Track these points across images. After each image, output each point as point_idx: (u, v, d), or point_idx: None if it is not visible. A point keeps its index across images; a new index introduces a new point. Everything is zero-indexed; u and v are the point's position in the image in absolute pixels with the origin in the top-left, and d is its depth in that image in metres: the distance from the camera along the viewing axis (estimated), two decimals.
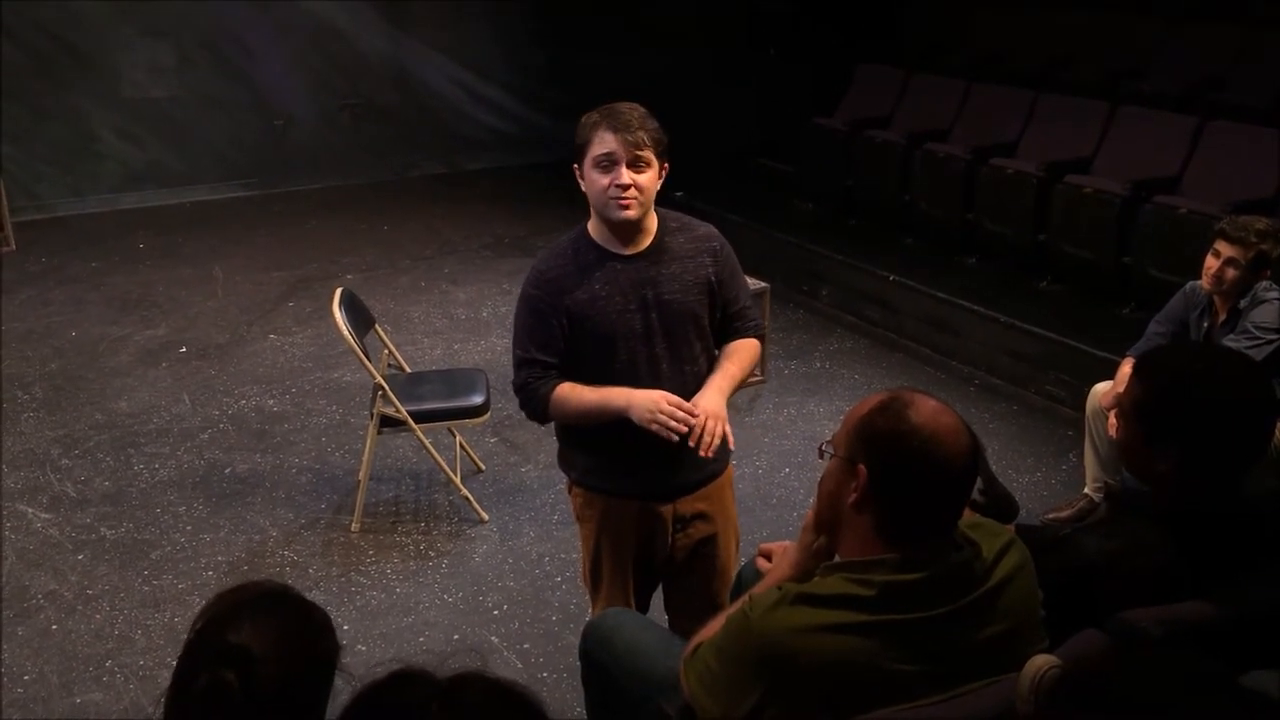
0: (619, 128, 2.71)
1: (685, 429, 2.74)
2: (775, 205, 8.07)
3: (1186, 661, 1.64)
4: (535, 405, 2.88)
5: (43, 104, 8.66)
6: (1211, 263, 4.11)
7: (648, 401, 2.75)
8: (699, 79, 9.09)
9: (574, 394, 2.84)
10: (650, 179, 2.76)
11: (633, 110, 2.76)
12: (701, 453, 2.76)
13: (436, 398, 4.58)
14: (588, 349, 2.85)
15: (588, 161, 2.77)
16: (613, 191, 2.73)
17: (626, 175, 2.72)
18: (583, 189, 2.82)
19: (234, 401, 5.70)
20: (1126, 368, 4.12)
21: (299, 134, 9.70)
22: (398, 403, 4.41)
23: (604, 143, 2.73)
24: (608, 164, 2.74)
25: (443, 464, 4.65)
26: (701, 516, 3.03)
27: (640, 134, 2.72)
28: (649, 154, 2.74)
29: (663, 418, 2.73)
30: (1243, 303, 4.12)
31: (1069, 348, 5.59)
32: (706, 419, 2.75)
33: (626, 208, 2.75)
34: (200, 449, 5.21)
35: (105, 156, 9.03)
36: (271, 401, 5.71)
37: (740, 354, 2.97)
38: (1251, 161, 5.71)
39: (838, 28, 8.89)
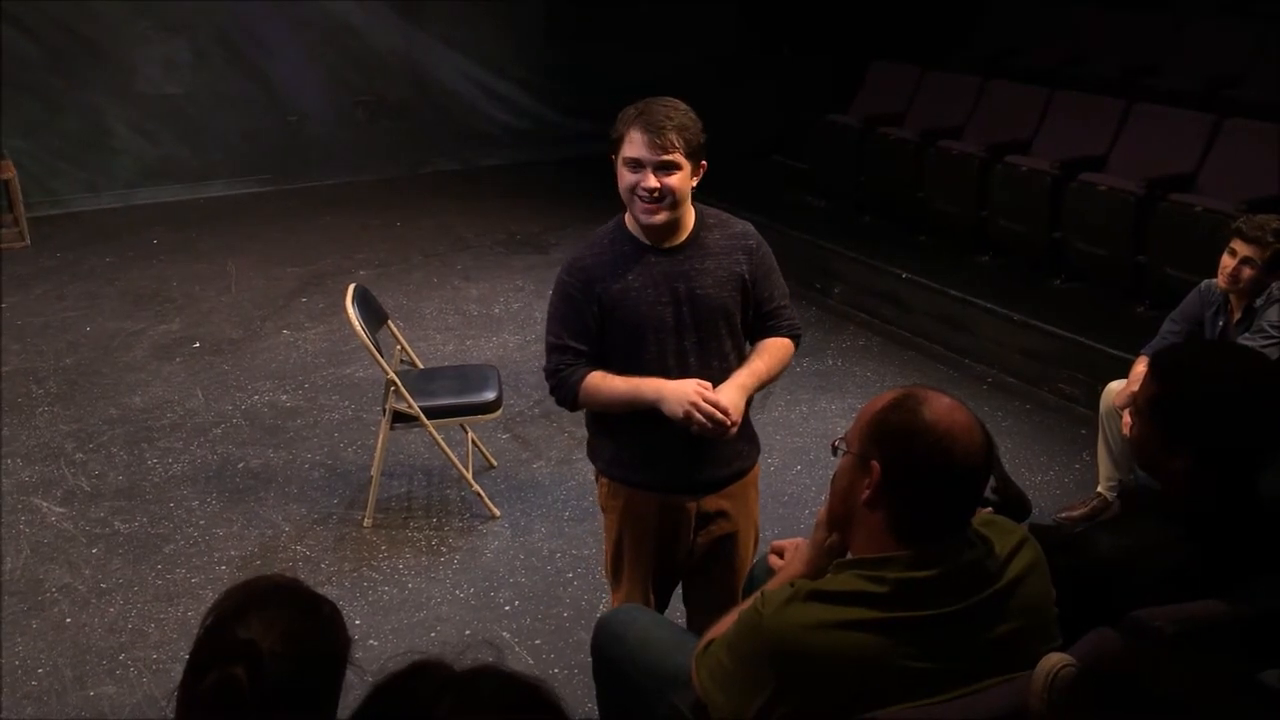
0: (649, 128, 2.70)
1: (718, 430, 2.76)
2: (788, 202, 8.06)
3: (1201, 659, 1.63)
4: (566, 392, 2.89)
5: (58, 99, 8.69)
6: (1227, 262, 4.08)
7: (680, 394, 2.76)
8: (713, 75, 9.07)
9: (605, 383, 2.85)
10: (680, 180, 2.75)
11: (669, 109, 2.74)
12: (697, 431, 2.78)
13: (449, 394, 4.58)
14: (618, 339, 2.86)
15: (619, 158, 2.78)
16: (639, 192, 2.75)
17: (652, 179, 2.73)
18: (617, 179, 2.83)
19: (247, 397, 5.72)
20: (1141, 366, 4.11)
21: (313, 130, 9.71)
22: (410, 398, 4.42)
23: (633, 143, 2.73)
24: (635, 165, 2.74)
25: (455, 460, 4.65)
26: (724, 515, 3.04)
27: (670, 136, 2.70)
28: (677, 156, 2.72)
29: (699, 417, 2.74)
30: (1258, 301, 4.10)
31: (1083, 346, 5.57)
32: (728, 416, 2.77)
33: (652, 213, 2.76)
34: (213, 444, 5.23)
35: (120, 152, 9.05)
36: (284, 397, 5.72)
37: (770, 351, 2.97)
38: (1268, 159, 5.67)
39: (852, 24, 8.87)
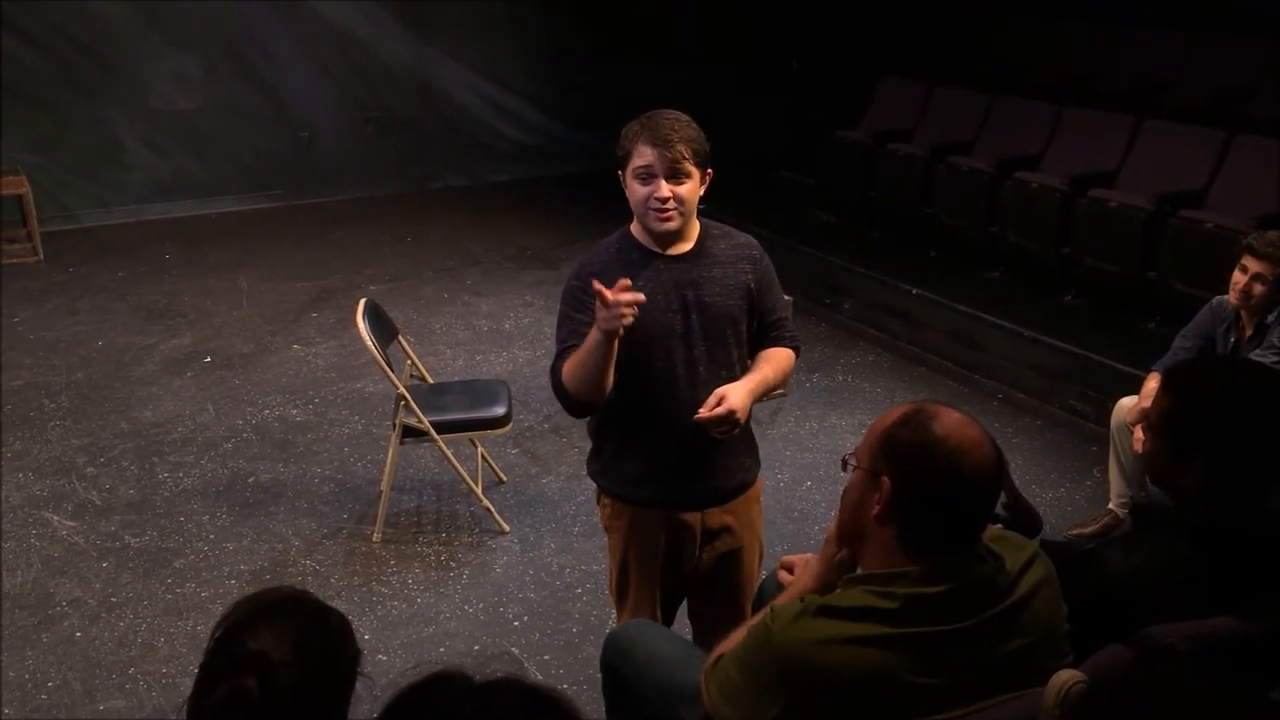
0: (657, 141, 2.73)
1: (727, 427, 2.75)
2: (797, 218, 8.05)
3: (1214, 676, 1.62)
4: (554, 382, 2.88)
5: (70, 115, 8.73)
6: (1239, 278, 4.08)
7: (608, 320, 2.63)
8: (722, 90, 9.08)
9: (572, 355, 2.81)
10: (690, 190, 2.79)
11: (674, 121, 2.77)
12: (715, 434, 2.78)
13: (458, 408, 4.59)
14: (627, 347, 2.84)
15: (629, 171, 2.80)
16: (652, 203, 2.77)
17: (665, 188, 2.75)
18: (626, 194, 2.84)
19: (258, 411, 5.73)
20: (1152, 382, 4.10)
21: (323, 146, 9.75)
22: (420, 413, 4.42)
23: (643, 155, 2.75)
24: (646, 176, 2.76)
25: (464, 475, 4.66)
26: (728, 530, 3.03)
27: (679, 147, 2.73)
28: (688, 165, 2.75)
29: (617, 311, 2.59)
30: (1270, 318, 4.09)
31: (1093, 362, 5.55)
32: (727, 410, 2.75)
33: (666, 219, 2.78)
34: (224, 458, 5.24)
35: (132, 167, 9.09)
36: (295, 411, 5.73)
37: (775, 360, 2.97)
38: (1278, 176, 5.66)
39: (860, 40, 8.89)
